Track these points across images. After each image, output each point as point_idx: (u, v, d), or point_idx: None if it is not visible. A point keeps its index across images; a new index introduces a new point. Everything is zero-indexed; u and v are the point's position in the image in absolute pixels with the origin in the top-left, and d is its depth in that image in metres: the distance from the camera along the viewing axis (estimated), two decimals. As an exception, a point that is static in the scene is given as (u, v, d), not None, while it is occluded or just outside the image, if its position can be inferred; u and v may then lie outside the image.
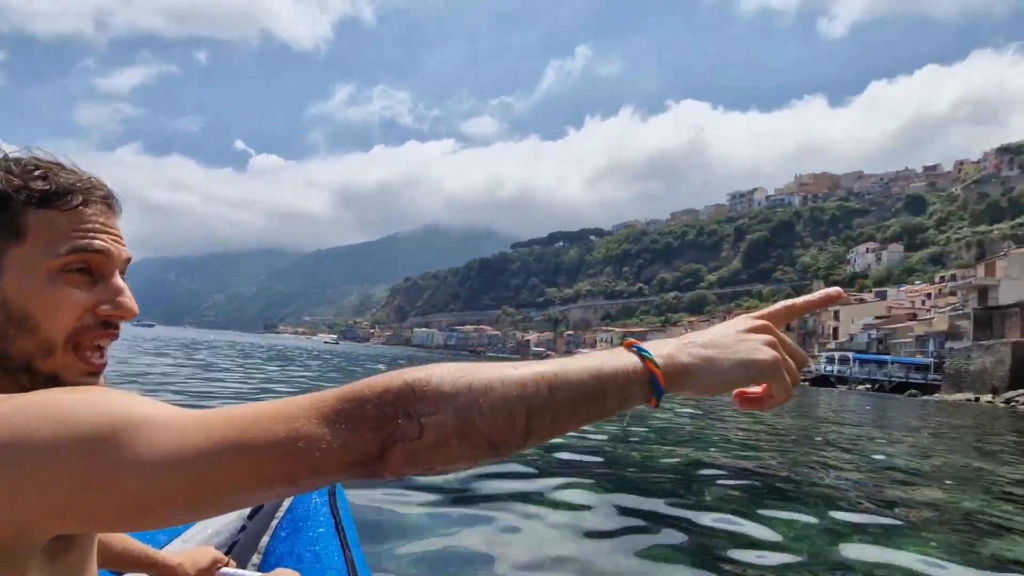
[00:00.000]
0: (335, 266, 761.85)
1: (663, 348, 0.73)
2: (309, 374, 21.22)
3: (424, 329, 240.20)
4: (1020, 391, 43.44)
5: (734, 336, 0.76)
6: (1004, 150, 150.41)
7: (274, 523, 1.92)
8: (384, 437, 0.61)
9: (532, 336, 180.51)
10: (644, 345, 0.73)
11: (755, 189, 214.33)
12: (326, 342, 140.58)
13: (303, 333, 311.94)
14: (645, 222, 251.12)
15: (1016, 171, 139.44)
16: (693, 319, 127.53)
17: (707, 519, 4.75)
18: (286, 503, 1.92)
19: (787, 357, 0.77)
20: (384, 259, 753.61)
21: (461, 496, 4.80)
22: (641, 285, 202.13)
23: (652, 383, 0.70)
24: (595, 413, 0.69)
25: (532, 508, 4.69)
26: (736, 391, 0.76)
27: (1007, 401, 42.76)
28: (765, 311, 0.81)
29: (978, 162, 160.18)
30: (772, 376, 0.75)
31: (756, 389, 0.76)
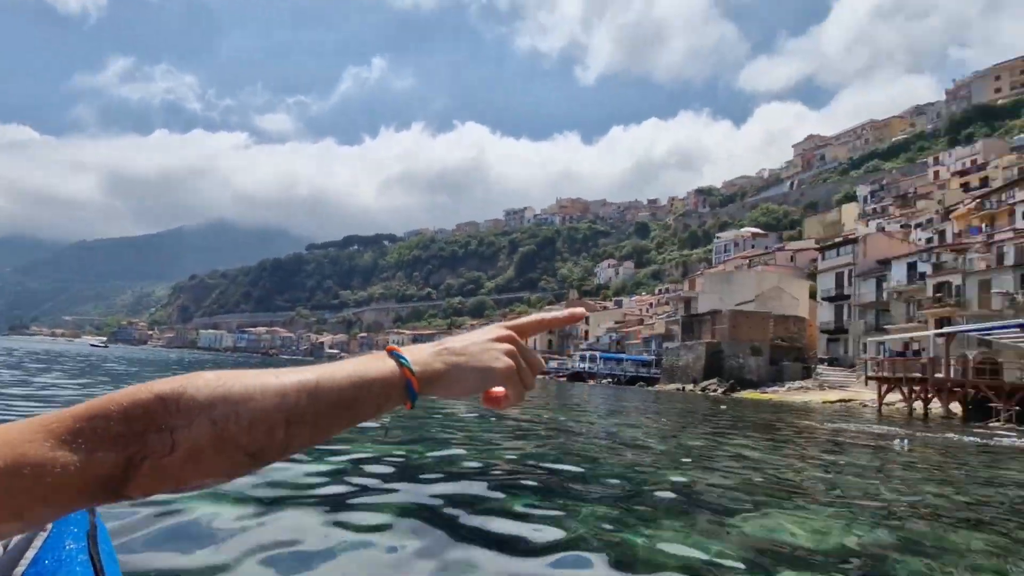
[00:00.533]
0: (105, 260, 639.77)
1: (419, 354, 0.76)
2: (70, 383, 15.52)
3: (212, 331, 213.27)
4: (711, 380, 51.00)
5: (482, 344, 0.80)
6: (699, 191, 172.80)
7: None
8: (130, 455, 0.53)
9: (326, 338, 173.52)
10: (403, 351, 0.75)
11: (526, 207, 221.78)
12: (93, 345, 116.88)
13: (63, 335, 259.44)
14: (434, 230, 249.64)
15: (707, 208, 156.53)
16: (475, 322, 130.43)
17: (493, 522, 4.25)
18: (30, 551, 1.16)
19: (524, 364, 0.82)
20: (166, 254, 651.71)
21: (249, 528, 3.78)
22: (430, 290, 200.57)
23: (408, 388, 0.71)
24: (355, 418, 0.69)
25: (334, 531, 3.87)
26: (458, 395, 0.81)
27: (703, 389, 49.83)
28: (519, 322, 0.88)
29: (683, 199, 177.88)
30: (507, 382, 0.80)
31: (499, 390, 0.82)
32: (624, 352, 76.64)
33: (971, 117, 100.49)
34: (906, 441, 14.51)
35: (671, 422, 16.57)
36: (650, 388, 56.75)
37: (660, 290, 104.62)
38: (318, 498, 4.65)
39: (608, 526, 4.36)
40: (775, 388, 46.26)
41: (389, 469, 5.96)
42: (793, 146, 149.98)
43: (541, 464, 7.16)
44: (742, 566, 3.71)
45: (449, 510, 4.52)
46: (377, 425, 8.07)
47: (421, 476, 5.72)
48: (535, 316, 0.89)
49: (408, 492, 5.03)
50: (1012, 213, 49.57)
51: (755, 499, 5.95)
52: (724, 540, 4.25)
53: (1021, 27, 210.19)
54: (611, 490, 5.84)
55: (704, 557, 3.79)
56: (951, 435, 18.07)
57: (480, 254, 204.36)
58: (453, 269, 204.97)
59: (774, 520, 5.09)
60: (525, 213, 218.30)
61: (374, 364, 0.72)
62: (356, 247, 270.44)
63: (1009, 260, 38.37)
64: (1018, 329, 28.78)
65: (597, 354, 74.11)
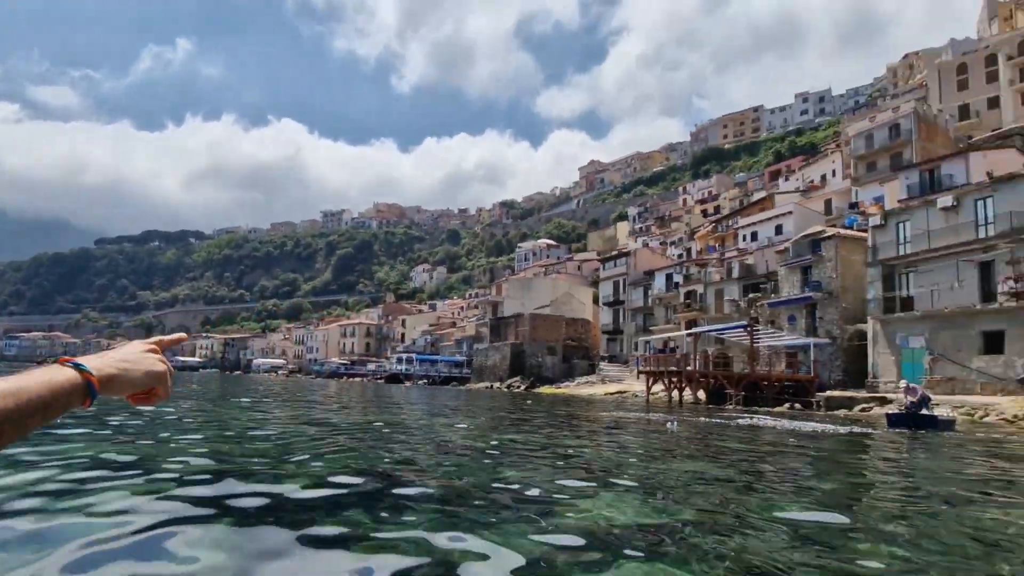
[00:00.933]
0: None
1: (93, 362, 0.90)
2: None
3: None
4: (515, 378, 54.38)
5: (138, 355, 1.01)
6: (503, 204, 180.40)
7: None
8: None
9: (122, 343, 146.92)
10: (79, 360, 0.89)
11: (343, 210, 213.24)
12: None
13: None
14: (247, 229, 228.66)
15: (510, 220, 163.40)
16: (291, 325, 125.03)
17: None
18: None
19: (169, 371, 1.04)
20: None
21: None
22: (242, 291, 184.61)
23: (89, 388, 0.86)
24: (48, 418, 0.81)
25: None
26: (128, 394, 0.99)
27: (508, 386, 52.52)
28: (154, 340, 1.12)
29: (490, 210, 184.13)
30: (162, 382, 1.01)
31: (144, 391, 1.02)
32: (439, 354, 77.71)
33: (708, 156, 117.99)
34: (676, 424, 16.02)
35: (487, 419, 16.57)
36: (462, 387, 58.02)
37: (471, 294, 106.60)
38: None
39: (429, 528, 4.05)
40: (567, 383, 50.71)
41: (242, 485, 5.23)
42: (579, 169, 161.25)
43: (359, 469, 6.43)
44: (568, 558, 3.59)
45: (268, 515, 4.26)
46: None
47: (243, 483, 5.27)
48: (168, 337, 1.22)
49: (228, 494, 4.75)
50: (736, 236, 59.49)
51: (572, 487, 5.99)
52: (548, 532, 4.12)
53: (741, 88, 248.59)
54: (431, 491, 5.49)
55: (533, 552, 3.62)
56: (702, 418, 19.77)
57: (297, 255, 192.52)
58: (268, 270, 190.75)
59: (593, 505, 5.11)
60: (343, 215, 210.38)
61: (59, 372, 0.86)
62: (157, 243, 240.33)
63: (735, 274, 46.30)
64: (742, 329, 35.31)
65: (413, 356, 74.67)
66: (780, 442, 12.57)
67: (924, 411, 17.14)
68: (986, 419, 21.47)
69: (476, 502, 5.13)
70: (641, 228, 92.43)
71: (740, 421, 18.78)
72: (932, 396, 19.06)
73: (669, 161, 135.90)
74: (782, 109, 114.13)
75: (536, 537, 3.95)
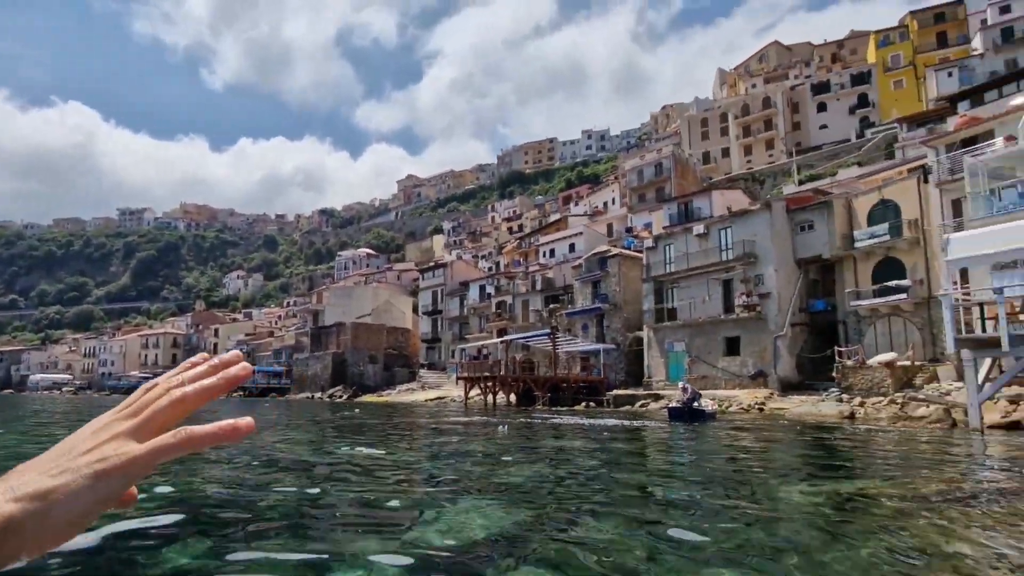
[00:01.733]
0: None
1: None
2: None
3: None
4: (337, 388, 51.88)
5: (85, 444, 0.49)
6: (323, 211, 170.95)
7: None
8: None
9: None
10: None
11: (145, 208, 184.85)
12: None
13: None
14: (22, 224, 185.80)
15: (329, 228, 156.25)
16: (79, 335, 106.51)
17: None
18: None
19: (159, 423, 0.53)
20: None
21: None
22: (15, 296, 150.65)
23: None
24: None
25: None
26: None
27: (330, 396, 50.18)
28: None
29: (309, 217, 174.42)
30: (140, 475, 0.50)
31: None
32: (256, 364, 71.68)
33: (512, 179, 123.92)
34: (506, 427, 15.70)
35: (315, 432, 15.44)
36: (282, 398, 54.61)
37: (289, 303, 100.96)
38: None
39: (274, 555, 3.61)
40: (389, 391, 49.67)
41: None
42: (397, 182, 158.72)
43: (176, 499, 5.44)
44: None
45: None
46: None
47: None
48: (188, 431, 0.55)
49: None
50: (537, 252, 63.19)
51: (429, 500, 5.62)
52: (417, 547, 3.79)
53: (539, 120, 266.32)
54: (272, 518, 4.79)
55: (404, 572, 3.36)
56: (521, 419, 20.28)
57: (87, 256, 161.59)
58: (49, 272, 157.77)
59: (456, 518, 4.77)
60: (144, 215, 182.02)
61: None
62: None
63: (538, 287, 49.05)
64: (545, 337, 37.43)
65: (228, 366, 68.07)
66: (600, 437, 13.46)
67: (696, 405, 19.35)
68: (730, 408, 25.21)
69: (329, 523, 4.60)
70: (455, 241, 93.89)
71: (554, 420, 19.70)
72: (700, 392, 21.82)
73: (479, 180, 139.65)
74: (572, 142, 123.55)
75: (403, 557, 3.61)
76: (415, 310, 64.09)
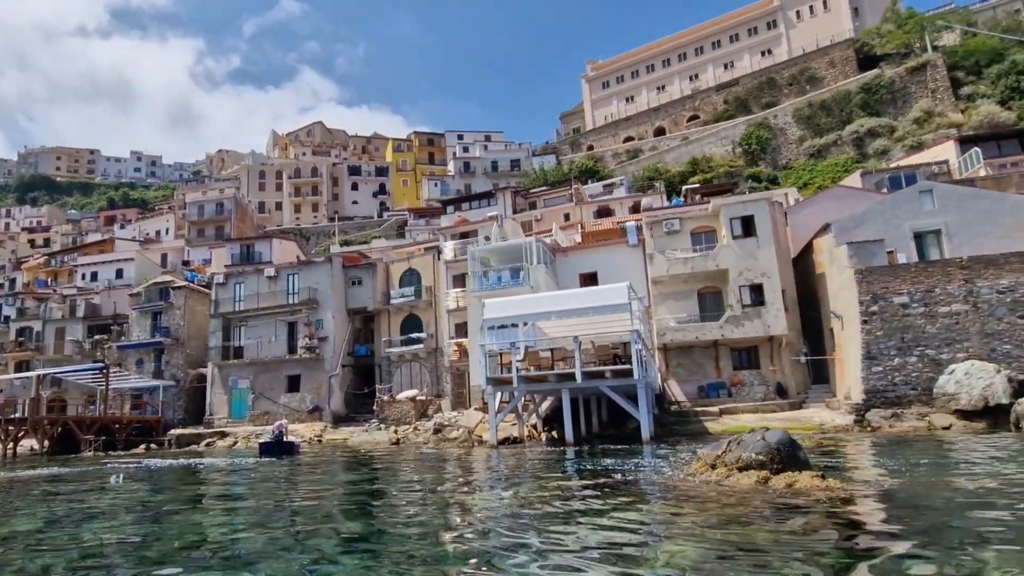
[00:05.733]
0: None
1: None
2: None
3: None
4: None
5: None
6: None
7: None
8: None
9: None
10: None
11: None
12: None
13: None
14: None
15: None
16: None
17: None
18: None
19: None
20: None
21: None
22: None
23: None
24: None
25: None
26: None
27: None
28: None
29: None
30: None
31: None
32: None
33: (38, 183, 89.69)
34: (121, 476, 12.87)
35: None
36: None
37: None
38: None
39: None
40: None
41: None
42: None
43: None
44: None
45: None
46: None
47: None
48: None
49: None
50: (73, 272, 48.45)
51: None
52: None
53: (75, 125, 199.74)
54: None
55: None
56: (97, 465, 16.43)
57: None
58: None
59: None
60: None
61: None
62: None
63: (80, 313, 37.97)
64: (98, 372, 29.57)
65: None
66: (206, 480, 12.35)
67: (286, 439, 18.20)
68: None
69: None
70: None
71: (131, 465, 16.70)
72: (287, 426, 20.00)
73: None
74: (118, 160, 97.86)
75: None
76: None
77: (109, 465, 17.37)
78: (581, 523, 6.00)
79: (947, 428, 15.53)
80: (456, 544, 5.48)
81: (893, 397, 17.15)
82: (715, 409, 19.70)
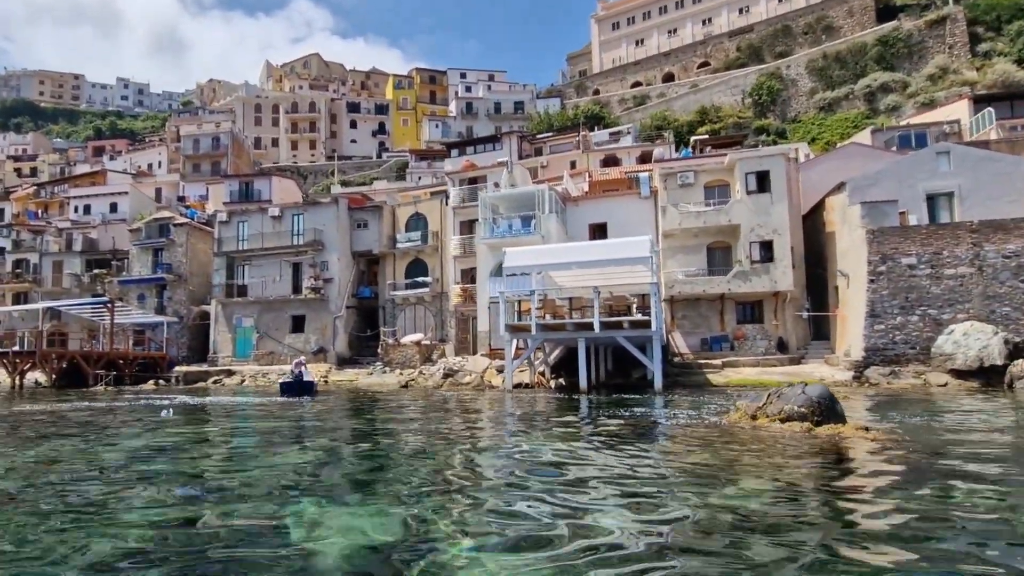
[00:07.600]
0: None
1: None
2: None
3: None
4: None
5: None
6: None
7: None
8: None
9: None
10: None
11: None
12: None
13: None
14: None
15: None
16: None
17: None
18: None
19: None
20: None
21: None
22: None
23: None
24: None
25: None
26: None
27: None
28: None
29: None
30: None
31: None
32: None
33: (22, 109, 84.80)
34: (171, 410, 12.63)
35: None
36: None
37: None
38: None
39: None
40: None
41: None
42: None
43: None
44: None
45: None
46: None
47: None
48: None
49: None
50: (65, 204, 46.91)
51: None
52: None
53: (56, 48, 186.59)
54: None
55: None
56: (141, 401, 16.26)
57: None
58: None
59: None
60: None
61: None
62: None
63: (78, 247, 37.14)
64: (101, 306, 29.22)
65: None
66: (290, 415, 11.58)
67: (306, 378, 17.87)
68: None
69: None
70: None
71: (183, 399, 16.40)
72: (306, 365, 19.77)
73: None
74: (104, 87, 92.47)
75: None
76: None
77: (142, 401, 16.93)
78: (670, 460, 6.39)
79: (943, 386, 15.99)
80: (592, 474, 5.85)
81: (892, 355, 17.53)
82: (718, 362, 20.06)
